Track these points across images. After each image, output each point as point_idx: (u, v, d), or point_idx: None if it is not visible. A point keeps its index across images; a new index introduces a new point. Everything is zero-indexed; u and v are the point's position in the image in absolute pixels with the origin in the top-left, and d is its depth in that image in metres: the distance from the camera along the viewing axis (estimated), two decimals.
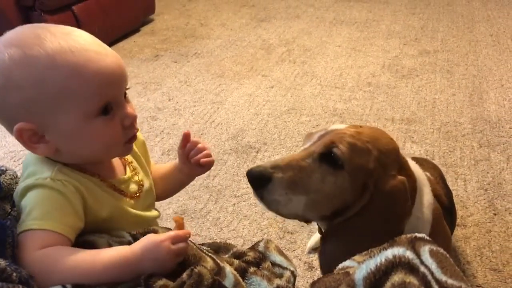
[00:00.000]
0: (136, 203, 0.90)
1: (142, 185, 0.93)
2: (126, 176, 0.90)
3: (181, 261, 0.76)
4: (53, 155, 0.81)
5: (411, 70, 2.73)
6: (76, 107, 0.76)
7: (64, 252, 0.73)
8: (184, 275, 0.69)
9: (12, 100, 0.75)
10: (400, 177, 0.94)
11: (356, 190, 0.93)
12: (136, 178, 0.92)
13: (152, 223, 0.95)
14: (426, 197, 1.03)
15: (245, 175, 0.94)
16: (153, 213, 0.97)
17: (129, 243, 0.78)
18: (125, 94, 0.84)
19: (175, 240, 0.75)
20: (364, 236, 0.92)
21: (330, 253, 0.97)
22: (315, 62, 2.87)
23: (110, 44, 3.08)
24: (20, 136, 0.76)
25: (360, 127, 1.00)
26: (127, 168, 0.92)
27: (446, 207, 1.21)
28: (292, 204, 0.93)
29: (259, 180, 0.92)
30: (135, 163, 0.95)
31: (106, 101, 0.78)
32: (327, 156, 0.93)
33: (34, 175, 0.79)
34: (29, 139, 0.77)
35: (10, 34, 0.77)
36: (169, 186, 1.08)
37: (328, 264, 0.90)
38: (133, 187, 0.91)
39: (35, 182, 0.78)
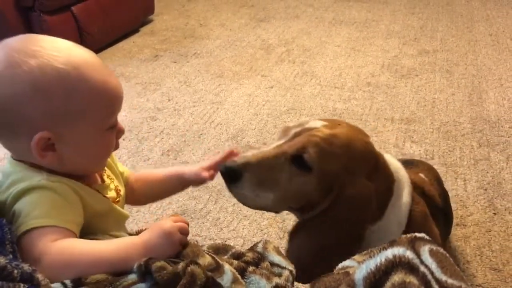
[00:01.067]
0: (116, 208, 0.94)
1: (120, 191, 0.95)
2: (105, 184, 0.93)
3: (179, 254, 0.77)
4: (53, 165, 0.81)
5: (411, 70, 2.74)
6: (96, 122, 0.81)
7: (77, 243, 0.75)
8: (180, 267, 0.69)
9: (37, 109, 0.76)
10: (366, 183, 0.97)
11: (321, 192, 0.97)
12: (112, 185, 0.95)
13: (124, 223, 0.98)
14: (404, 199, 1.04)
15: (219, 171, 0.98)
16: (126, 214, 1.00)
17: None
18: None
19: (182, 230, 0.78)
20: (326, 235, 0.97)
21: (296, 248, 1.01)
22: (315, 62, 2.87)
23: (110, 44, 3.08)
24: (37, 144, 0.77)
25: (339, 124, 1.02)
26: (104, 176, 0.94)
27: (440, 208, 1.22)
28: (259, 200, 0.98)
29: (230, 176, 0.96)
30: (108, 171, 0.97)
31: (116, 120, 0.85)
32: (297, 158, 0.96)
33: (22, 181, 0.79)
34: (42, 147, 0.78)
35: (20, 45, 0.77)
36: (160, 192, 1.12)
37: (295, 257, 0.93)
38: (111, 193, 0.93)
39: (29, 185, 0.78)
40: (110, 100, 0.82)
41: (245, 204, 1.00)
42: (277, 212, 1.06)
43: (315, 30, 3.38)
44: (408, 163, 1.31)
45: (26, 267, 0.69)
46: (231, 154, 1.08)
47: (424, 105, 2.36)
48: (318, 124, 1.01)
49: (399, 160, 1.35)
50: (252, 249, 0.88)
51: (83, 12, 2.86)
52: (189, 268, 0.69)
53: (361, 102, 2.40)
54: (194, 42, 3.18)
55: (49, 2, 2.66)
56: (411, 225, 1.04)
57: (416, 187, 1.14)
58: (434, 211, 1.15)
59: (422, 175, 1.26)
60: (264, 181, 0.96)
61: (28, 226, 0.74)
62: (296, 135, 0.99)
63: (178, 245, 0.77)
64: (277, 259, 0.85)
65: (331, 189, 0.96)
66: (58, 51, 0.77)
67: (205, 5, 3.90)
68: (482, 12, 3.64)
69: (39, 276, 0.70)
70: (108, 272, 0.72)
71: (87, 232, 0.83)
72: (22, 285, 0.67)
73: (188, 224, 0.81)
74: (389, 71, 2.73)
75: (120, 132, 0.88)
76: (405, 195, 1.05)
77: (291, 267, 0.84)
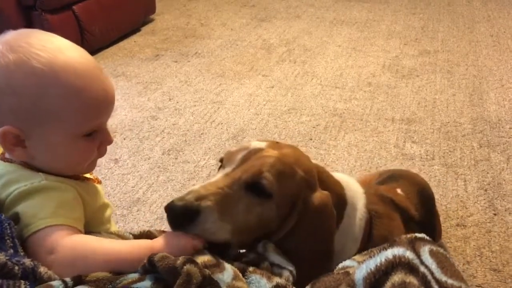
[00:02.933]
0: (101, 191, 0.95)
1: (100, 182, 0.96)
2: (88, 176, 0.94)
3: None
4: (26, 160, 0.82)
5: (411, 70, 2.74)
6: (66, 127, 0.79)
7: (90, 239, 0.76)
8: (178, 262, 0.70)
9: (5, 104, 0.76)
10: (323, 193, 0.93)
11: (283, 216, 0.90)
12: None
13: (110, 208, 0.98)
14: (358, 212, 1.01)
15: (166, 211, 0.82)
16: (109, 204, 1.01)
17: None
18: None
19: (195, 249, 0.78)
20: (300, 254, 0.88)
21: None
22: (316, 62, 2.87)
23: (111, 43, 3.08)
24: (3, 138, 0.78)
25: (277, 143, 0.97)
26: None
27: (415, 221, 1.18)
28: (219, 231, 0.84)
29: (185, 216, 0.80)
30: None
31: (94, 128, 0.82)
32: (253, 185, 0.87)
33: (20, 182, 0.79)
34: (9, 141, 0.79)
35: (11, 38, 0.78)
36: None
37: None
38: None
39: (31, 187, 0.78)
40: (87, 108, 0.79)
41: (205, 239, 0.83)
42: (240, 248, 0.90)
43: (316, 30, 3.38)
44: (390, 179, 1.31)
45: (27, 262, 0.69)
46: None
47: (424, 106, 2.36)
48: (261, 145, 0.94)
49: (386, 175, 1.37)
50: (252, 250, 0.89)
51: (85, 11, 2.86)
52: (185, 267, 0.69)
53: (361, 102, 2.40)
54: (195, 42, 3.18)
55: (50, 1, 2.67)
56: (371, 236, 1.02)
57: (383, 199, 1.11)
58: (407, 223, 1.13)
59: (398, 190, 1.23)
60: (222, 213, 0.83)
61: (37, 227, 0.74)
62: (244, 159, 0.90)
63: (191, 249, 0.78)
64: (277, 259, 0.85)
65: (293, 207, 0.90)
66: (43, 50, 0.76)
67: (206, 5, 3.90)
68: (483, 13, 3.64)
69: (41, 270, 0.70)
70: (116, 271, 0.73)
71: (87, 228, 0.83)
72: (23, 282, 0.67)
73: (205, 246, 0.80)
74: (390, 71, 2.73)
75: (106, 142, 0.86)
76: (360, 207, 1.02)
77: (291, 267, 0.84)
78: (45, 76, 0.75)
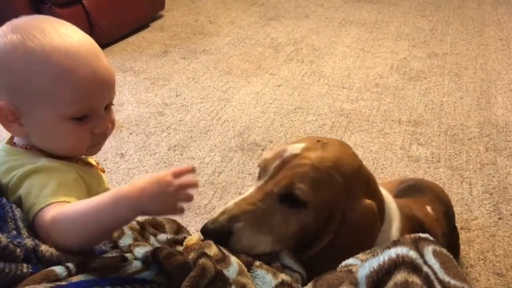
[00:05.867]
0: (104, 180, 0.96)
1: (103, 171, 0.98)
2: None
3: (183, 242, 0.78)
4: (23, 137, 0.86)
5: (419, 72, 2.73)
6: (53, 107, 0.81)
7: (78, 203, 0.77)
8: (190, 257, 0.70)
9: (1, 81, 0.80)
10: (368, 202, 0.89)
11: (321, 222, 0.88)
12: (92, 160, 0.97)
13: None
14: (393, 232, 0.96)
15: (200, 233, 0.85)
16: None
17: (139, 231, 0.80)
18: (109, 103, 0.88)
19: (183, 187, 0.73)
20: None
21: None
22: (323, 62, 2.87)
23: (120, 38, 3.09)
24: None
25: (318, 141, 0.92)
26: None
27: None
28: (259, 245, 0.85)
29: (219, 239, 0.82)
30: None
31: (84, 113, 0.83)
32: (287, 196, 0.85)
33: (20, 167, 0.81)
34: (5, 117, 0.82)
35: (19, 21, 0.82)
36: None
37: None
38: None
39: (32, 168, 0.80)
40: (74, 90, 0.80)
41: (246, 253, 0.84)
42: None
43: (325, 30, 3.37)
44: (416, 190, 1.23)
45: (29, 242, 0.70)
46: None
47: (432, 108, 2.35)
48: (297, 149, 0.89)
49: (409, 184, 1.27)
50: None
51: (94, 5, 2.88)
52: (200, 260, 0.69)
53: (368, 103, 2.40)
54: (204, 39, 3.19)
55: None
56: None
57: (413, 223, 1.04)
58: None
59: (428, 208, 1.16)
60: (258, 226, 0.84)
61: (39, 206, 0.76)
62: (277, 170, 0.88)
63: (174, 202, 0.73)
64: (289, 262, 0.84)
65: (332, 217, 0.88)
66: (41, 32, 0.79)
67: (215, 2, 3.91)
68: (493, 17, 3.62)
69: (43, 248, 0.71)
70: (104, 225, 0.73)
71: None
72: (25, 265, 0.68)
73: (196, 185, 0.75)
74: (397, 73, 2.72)
75: (98, 127, 0.85)
76: (393, 231, 0.96)
77: (302, 271, 0.84)
78: (36, 55, 0.78)
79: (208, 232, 0.83)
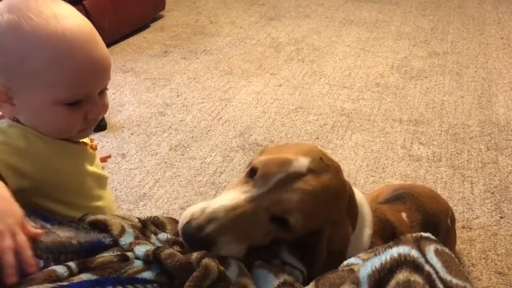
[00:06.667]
0: (95, 157, 0.96)
1: (95, 149, 0.97)
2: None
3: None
4: (15, 115, 0.85)
5: (420, 72, 2.73)
6: (47, 91, 0.80)
7: None
8: (193, 257, 0.70)
9: None
10: (346, 225, 0.90)
11: (302, 238, 0.87)
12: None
13: (106, 180, 0.99)
14: (364, 239, 0.97)
15: (181, 233, 0.80)
16: (106, 174, 1.01)
17: (140, 229, 0.80)
18: (104, 88, 0.88)
19: (19, 246, 0.67)
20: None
21: None
22: (324, 61, 2.87)
23: (120, 39, 3.09)
24: None
25: (320, 158, 0.88)
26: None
27: None
28: (233, 253, 0.82)
29: (200, 247, 0.78)
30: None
31: (77, 98, 0.82)
32: (279, 218, 0.83)
33: None
34: None
35: (17, 0, 0.81)
36: None
37: None
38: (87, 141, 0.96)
39: None
40: (68, 76, 0.80)
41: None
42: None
43: (325, 30, 3.37)
44: (399, 198, 1.23)
45: None
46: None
47: (432, 107, 2.35)
48: (302, 167, 0.85)
49: (397, 192, 1.27)
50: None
51: (95, 6, 2.87)
52: (203, 260, 0.69)
53: (369, 102, 2.40)
54: (204, 39, 3.19)
55: None
56: None
57: (387, 227, 1.06)
58: None
59: (404, 215, 1.16)
60: (239, 239, 0.81)
61: None
62: (279, 185, 0.83)
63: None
64: (289, 258, 0.84)
65: (313, 234, 0.87)
66: (37, 15, 0.78)
67: (215, 2, 3.91)
68: (494, 16, 3.61)
69: None
70: None
71: (58, 187, 0.85)
72: None
73: (30, 266, 0.67)
74: (398, 72, 2.72)
75: (92, 113, 0.85)
76: (365, 237, 0.97)
77: (303, 268, 0.84)
78: (31, 39, 0.77)
79: (190, 238, 0.78)
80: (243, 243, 0.82)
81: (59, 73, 0.79)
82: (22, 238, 0.67)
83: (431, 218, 1.22)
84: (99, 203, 0.94)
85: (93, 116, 0.86)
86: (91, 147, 0.95)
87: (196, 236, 0.77)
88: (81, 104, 0.84)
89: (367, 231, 0.98)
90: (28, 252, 0.67)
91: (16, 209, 0.70)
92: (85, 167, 0.91)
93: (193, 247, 0.78)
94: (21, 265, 0.66)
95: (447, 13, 3.70)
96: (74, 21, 0.81)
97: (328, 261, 0.86)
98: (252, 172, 0.87)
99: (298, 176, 0.84)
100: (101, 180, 0.96)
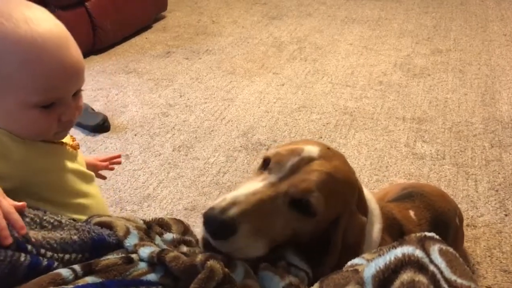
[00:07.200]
0: (76, 156, 0.97)
1: (76, 148, 0.98)
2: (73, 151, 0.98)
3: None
4: None
5: (423, 69, 2.72)
6: (16, 95, 0.81)
7: None
8: (198, 259, 0.70)
9: None
10: (361, 218, 0.90)
11: (319, 231, 0.86)
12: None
13: (91, 178, 1.00)
14: (374, 235, 0.97)
15: (204, 218, 0.78)
16: (91, 172, 1.02)
17: (145, 231, 0.80)
18: (78, 90, 0.88)
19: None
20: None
21: None
22: (327, 60, 2.86)
23: (123, 40, 3.10)
24: None
25: (328, 148, 0.90)
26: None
27: None
28: (251, 249, 0.80)
29: (223, 232, 0.76)
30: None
31: (49, 101, 0.83)
32: (299, 201, 0.82)
33: None
34: None
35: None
36: None
37: None
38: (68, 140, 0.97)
39: None
40: (39, 79, 0.80)
41: (234, 256, 0.79)
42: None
43: (328, 28, 3.37)
44: (408, 196, 1.23)
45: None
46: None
47: (436, 105, 2.35)
48: (314, 152, 0.87)
49: (406, 191, 1.27)
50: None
51: (97, 7, 2.88)
52: (208, 262, 0.69)
53: (372, 101, 2.40)
54: (206, 39, 3.19)
55: None
56: None
57: (394, 225, 1.05)
58: None
59: (411, 212, 1.15)
60: (260, 230, 0.79)
61: None
62: (294, 169, 0.84)
63: None
64: (295, 260, 0.84)
65: (331, 226, 0.87)
66: (8, 19, 0.78)
67: (217, 2, 3.91)
68: (497, 12, 3.60)
69: (31, 234, 0.73)
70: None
71: (40, 186, 0.86)
72: (23, 254, 0.69)
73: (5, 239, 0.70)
74: (401, 70, 2.72)
75: (65, 115, 0.86)
76: (375, 231, 0.97)
77: (308, 269, 0.83)
78: (2, 44, 0.78)
79: (213, 222, 0.76)
80: (262, 237, 0.80)
81: (31, 76, 0.80)
82: (6, 204, 0.71)
83: (440, 216, 1.22)
84: (84, 201, 0.95)
85: (67, 118, 0.87)
86: (71, 146, 0.97)
87: (218, 218, 0.76)
88: (55, 106, 0.85)
89: (377, 226, 0.98)
90: (16, 216, 0.71)
91: None
92: (65, 164, 0.92)
93: (214, 233, 0.77)
94: (12, 229, 0.70)
95: (450, 10, 3.68)
96: (45, 25, 0.81)
97: (343, 255, 0.85)
98: (265, 164, 0.88)
99: (311, 160, 0.85)
100: (85, 178, 0.98)
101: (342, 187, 0.86)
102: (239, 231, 0.77)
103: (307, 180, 0.83)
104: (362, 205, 0.94)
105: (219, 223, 0.76)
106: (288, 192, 0.82)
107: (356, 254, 0.82)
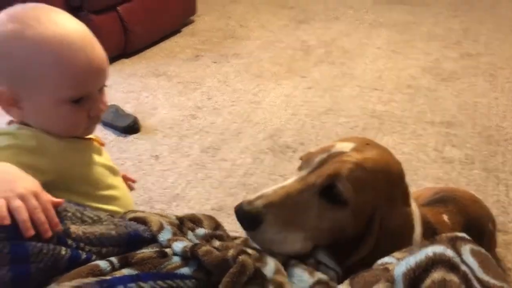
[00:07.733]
0: (102, 151, 1.02)
1: (102, 144, 1.04)
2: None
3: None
4: (23, 119, 0.92)
5: (452, 73, 2.69)
6: (50, 92, 0.88)
7: None
8: (230, 254, 0.71)
9: (1, 67, 0.87)
10: (406, 210, 0.88)
11: (359, 225, 0.85)
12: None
13: (117, 172, 1.05)
14: (417, 228, 0.94)
15: (234, 212, 0.86)
16: (116, 166, 1.07)
17: (178, 226, 0.83)
18: (103, 86, 0.95)
19: (30, 207, 0.72)
20: None
21: None
22: (354, 63, 2.86)
23: (153, 44, 3.15)
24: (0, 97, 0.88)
25: (367, 144, 0.91)
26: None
27: None
28: (287, 243, 0.83)
29: (250, 222, 0.82)
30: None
31: (79, 96, 0.90)
32: (328, 190, 0.83)
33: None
34: (6, 101, 0.89)
35: (16, 10, 0.89)
36: None
37: None
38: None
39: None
40: (70, 76, 0.87)
41: (272, 251, 0.83)
42: (306, 253, 0.87)
43: (355, 32, 3.36)
44: (441, 201, 1.21)
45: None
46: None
47: (465, 109, 2.32)
48: (346, 147, 0.88)
49: (439, 195, 1.25)
50: None
51: (128, 12, 2.94)
52: (240, 257, 0.71)
53: (401, 104, 2.38)
54: (234, 43, 3.22)
55: (96, 2, 2.76)
56: None
57: (429, 229, 1.02)
58: None
59: (445, 217, 1.14)
60: (290, 221, 0.82)
61: None
62: (322, 163, 0.86)
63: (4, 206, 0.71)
64: (325, 259, 0.85)
65: (370, 221, 0.85)
66: (37, 22, 0.86)
67: (245, 6, 3.94)
68: None
69: (72, 229, 0.76)
70: None
71: (75, 179, 0.92)
72: (63, 248, 0.72)
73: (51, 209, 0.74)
74: (430, 74, 2.69)
75: (94, 110, 0.92)
76: (417, 234, 0.94)
77: (338, 269, 0.84)
78: (34, 44, 0.85)
79: (240, 213, 0.83)
80: (295, 228, 0.82)
81: (61, 75, 0.87)
82: (44, 199, 0.75)
83: (474, 221, 1.21)
84: (114, 192, 1.01)
85: (95, 113, 0.94)
86: (98, 141, 1.04)
87: (245, 209, 0.82)
88: (84, 102, 0.91)
89: (418, 229, 0.96)
90: (51, 213, 0.74)
91: (32, 179, 0.78)
92: (94, 158, 0.98)
93: (243, 223, 0.83)
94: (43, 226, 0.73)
95: (480, 13, 3.63)
96: (72, 26, 0.90)
97: (385, 242, 0.84)
98: (301, 164, 0.92)
99: (340, 154, 0.87)
100: (113, 171, 1.03)
101: (375, 177, 0.85)
102: (265, 221, 0.81)
103: (332, 168, 0.85)
104: (406, 200, 0.92)
105: (244, 213, 0.83)
106: (316, 183, 0.84)
107: (404, 241, 0.83)
